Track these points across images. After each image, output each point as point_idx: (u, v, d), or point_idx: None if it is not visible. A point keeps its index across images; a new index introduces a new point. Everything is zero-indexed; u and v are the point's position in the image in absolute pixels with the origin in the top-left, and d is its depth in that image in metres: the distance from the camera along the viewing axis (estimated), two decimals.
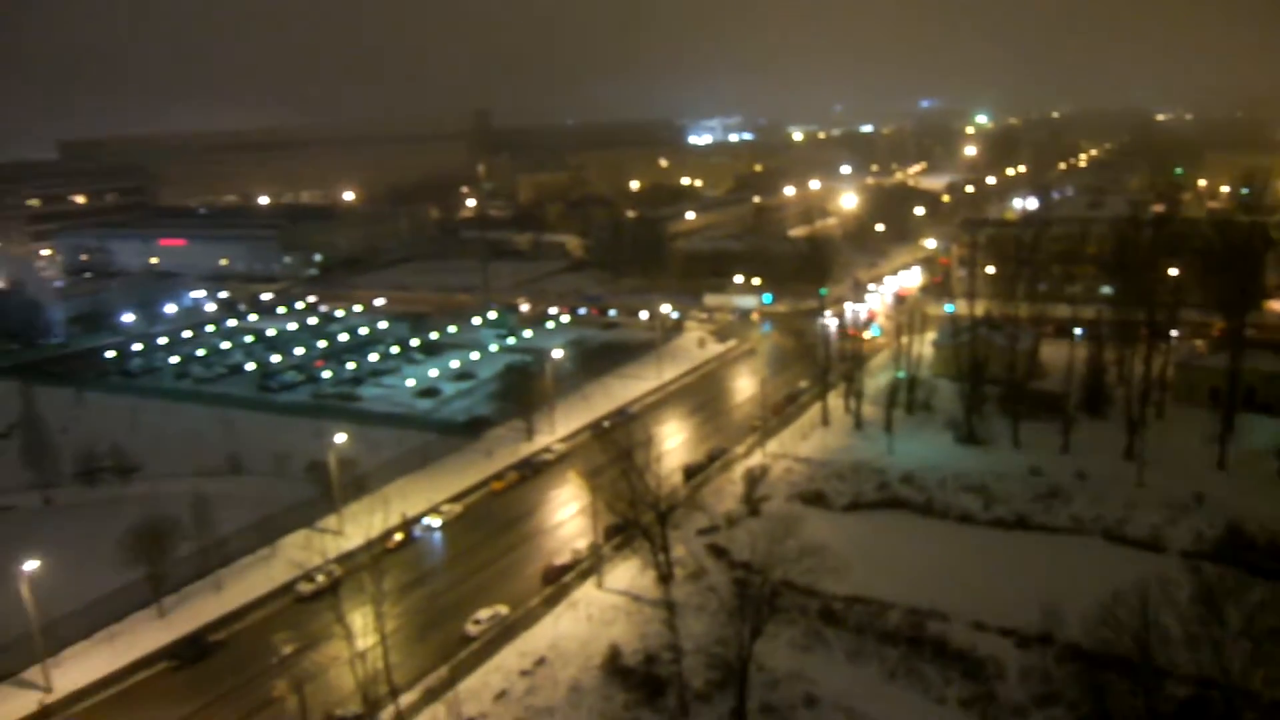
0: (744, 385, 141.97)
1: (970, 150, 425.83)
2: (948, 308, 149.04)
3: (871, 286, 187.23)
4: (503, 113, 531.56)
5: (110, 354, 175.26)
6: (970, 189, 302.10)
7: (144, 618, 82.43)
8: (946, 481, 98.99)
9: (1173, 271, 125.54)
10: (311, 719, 64.82)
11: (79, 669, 75.28)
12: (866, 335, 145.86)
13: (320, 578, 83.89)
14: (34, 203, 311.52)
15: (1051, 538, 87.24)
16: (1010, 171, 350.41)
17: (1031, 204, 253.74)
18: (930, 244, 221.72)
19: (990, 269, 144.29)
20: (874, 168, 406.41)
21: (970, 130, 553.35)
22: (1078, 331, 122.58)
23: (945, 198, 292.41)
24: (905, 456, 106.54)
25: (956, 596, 75.44)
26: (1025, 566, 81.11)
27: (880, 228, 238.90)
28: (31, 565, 74.16)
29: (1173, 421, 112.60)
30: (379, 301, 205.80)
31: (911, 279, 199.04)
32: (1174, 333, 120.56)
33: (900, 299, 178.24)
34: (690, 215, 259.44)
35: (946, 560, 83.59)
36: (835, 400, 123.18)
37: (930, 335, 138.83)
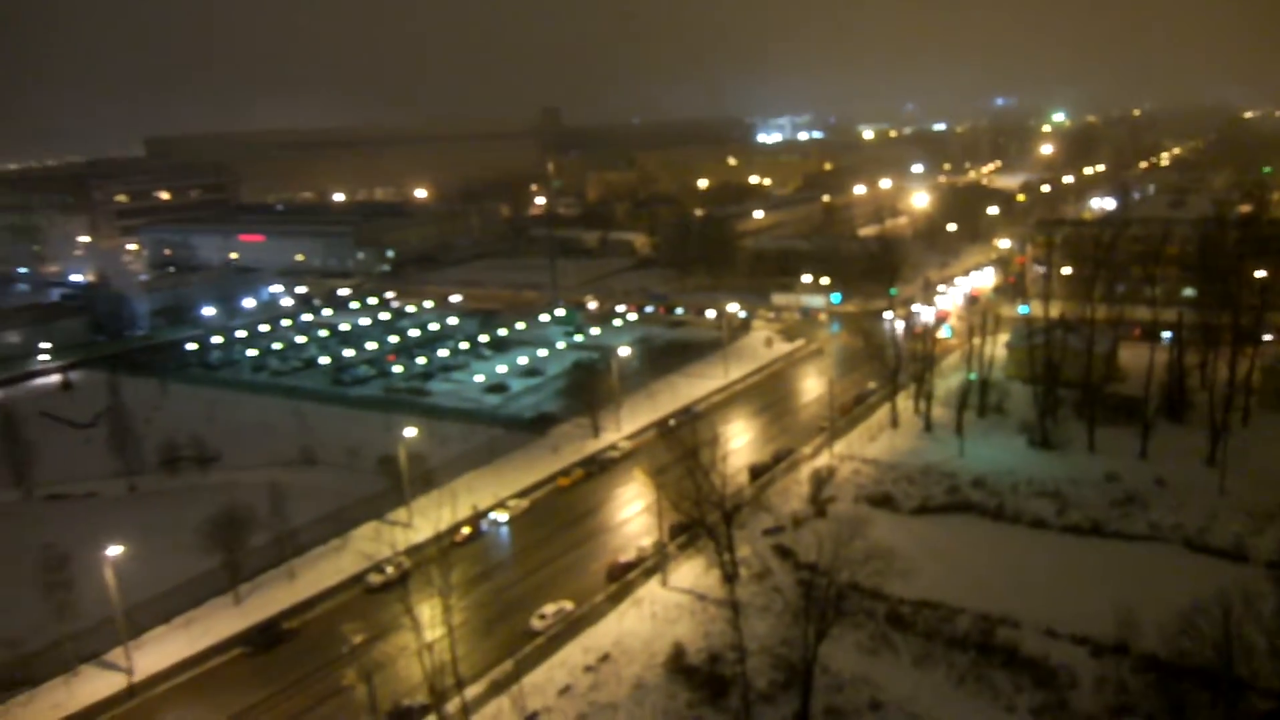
0: (811, 385, 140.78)
1: (1046, 149, 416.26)
2: (1022, 309, 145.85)
3: (942, 287, 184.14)
4: (572, 111, 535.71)
5: (191, 346, 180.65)
6: (1046, 188, 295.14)
7: (221, 604, 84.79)
8: (1018, 486, 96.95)
9: (1260, 273, 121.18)
10: (380, 708, 65.95)
11: (159, 652, 77.74)
12: (940, 335, 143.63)
13: (389, 569, 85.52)
14: (122, 198, 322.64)
15: (1128, 545, 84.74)
16: (1088, 171, 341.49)
17: (1110, 204, 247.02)
18: (1004, 244, 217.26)
19: (1066, 270, 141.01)
20: (946, 167, 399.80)
21: (1047, 129, 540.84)
22: (1166, 335, 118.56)
23: (1020, 197, 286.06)
24: (976, 460, 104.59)
25: (1028, 603, 73.84)
26: (1100, 574, 79.00)
27: (952, 227, 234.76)
28: (115, 550, 76.84)
29: (1259, 428, 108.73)
30: (455, 298, 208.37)
31: (984, 279, 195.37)
32: (1267, 337, 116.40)
33: (972, 299, 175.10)
34: (758, 214, 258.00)
35: (1018, 566, 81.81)
36: (904, 402, 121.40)
37: (1003, 337, 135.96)
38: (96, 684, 74.22)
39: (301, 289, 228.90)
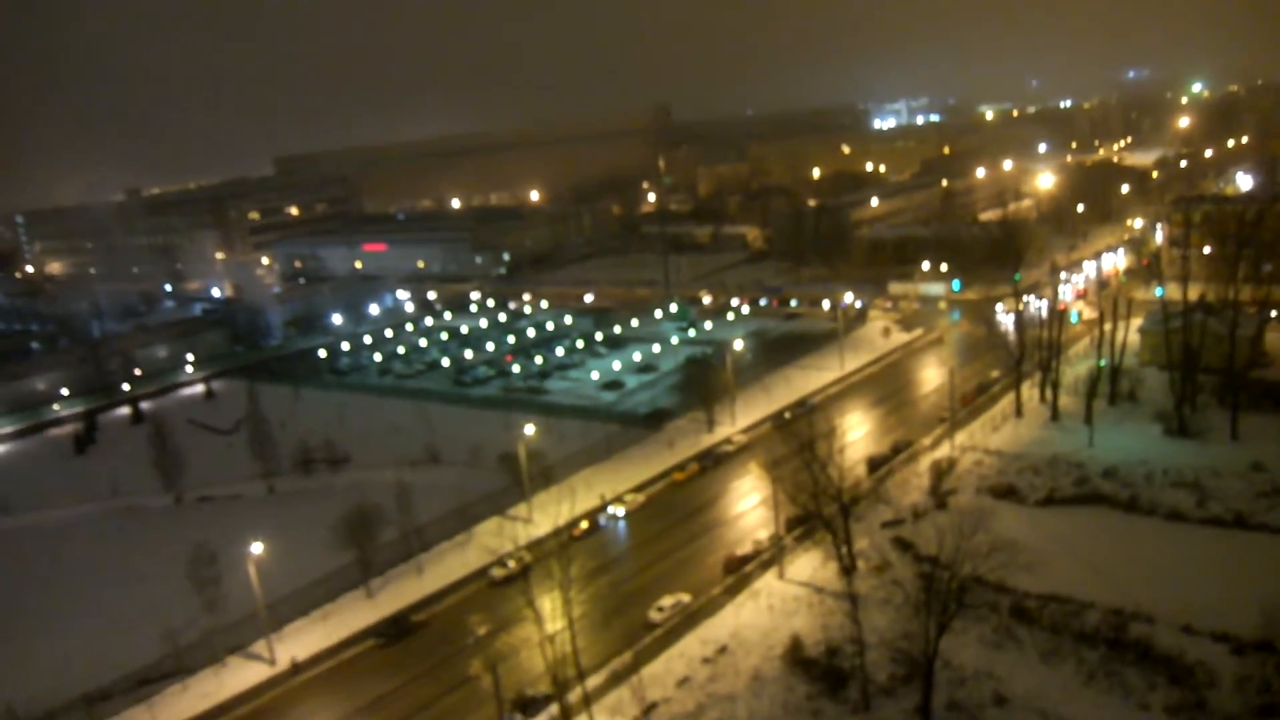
0: (931, 375, 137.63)
1: (1183, 122, 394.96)
2: (1157, 291, 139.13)
3: (1064, 274, 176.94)
4: (683, 106, 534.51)
5: (322, 353, 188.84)
6: (1183, 164, 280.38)
7: (354, 598, 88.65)
8: (1154, 476, 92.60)
9: None
10: (504, 698, 67.81)
11: (298, 644, 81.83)
12: (1073, 318, 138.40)
13: (512, 563, 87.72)
14: (254, 216, 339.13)
15: (1275, 539, 79.90)
16: (1231, 144, 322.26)
17: (1255, 179, 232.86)
18: (1137, 224, 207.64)
19: (1206, 250, 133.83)
20: (1074, 145, 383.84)
21: (1184, 101, 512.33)
22: None
23: (1154, 174, 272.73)
24: (1107, 449, 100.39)
25: (1164, 598, 70.60)
26: (1244, 569, 74.86)
27: (1081, 208, 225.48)
28: (258, 549, 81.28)
29: None
30: (589, 297, 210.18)
31: (1116, 262, 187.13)
32: None
33: (1103, 283, 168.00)
34: (874, 202, 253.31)
35: (1153, 560, 78.33)
36: (1029, 391, 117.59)
37: (1136, 321, 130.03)
38: (244, 674, 78.69)
39: (431, 294, 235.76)
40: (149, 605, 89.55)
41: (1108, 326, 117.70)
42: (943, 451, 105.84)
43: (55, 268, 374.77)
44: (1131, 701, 61.14)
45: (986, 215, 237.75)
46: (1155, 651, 64.91)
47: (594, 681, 70.36)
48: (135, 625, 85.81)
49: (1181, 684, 61.65)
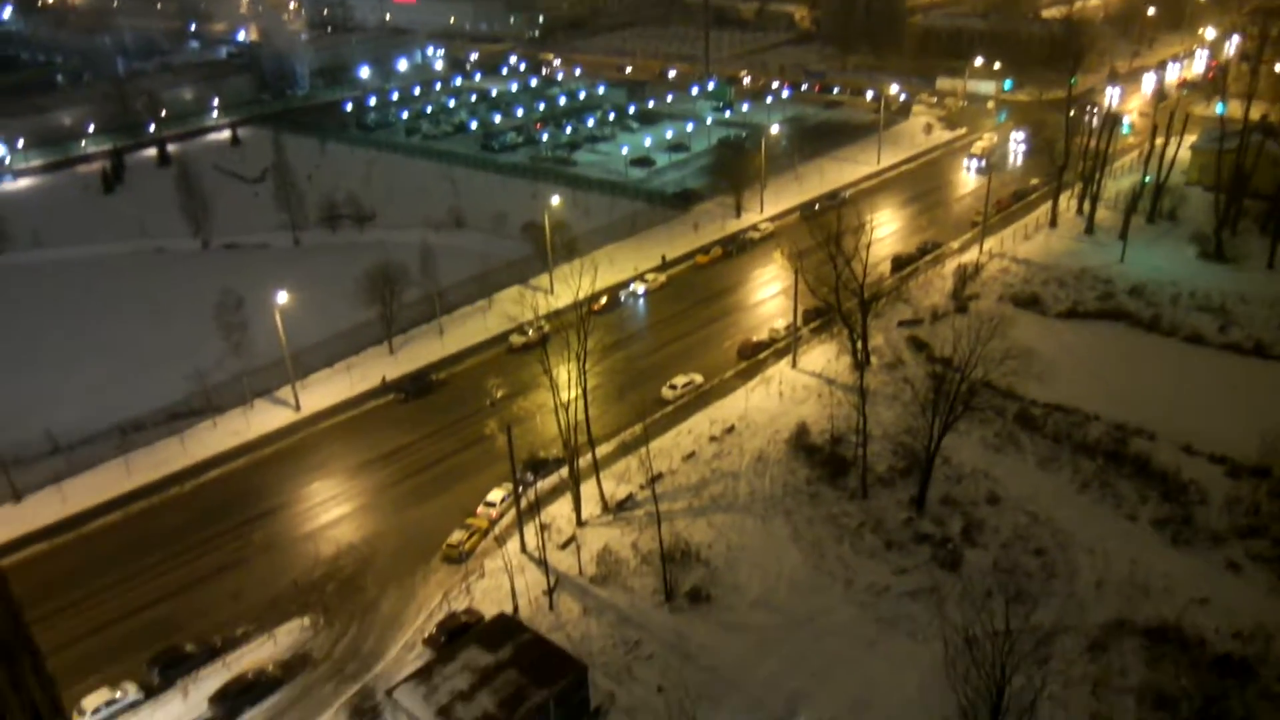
0: (968, 177, 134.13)
1: None
2: (1218, 108, 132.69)
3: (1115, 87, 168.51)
4: None
5: (348, 107, 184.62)
6: None
7: (376, 353, 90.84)
8: (1180, 298, 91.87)
9: None
10: (517, 457, 70.47)
11: (322, 393, 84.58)
12: (1124, 129, 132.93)
13: (530, 332, 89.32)
14: None
15: None
16: None
17: None
18: (1209, 34, 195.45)
19: (1278, 67, 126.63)
20: None
21: None
22: None
23: None
24: (1137, 267, 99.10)
25: (1169, 417, 71.64)
26: (1254, 396, 75.38)
27: (1151, 11, 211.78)
28: (283, 297, 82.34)
29: None
30: (671, 73, 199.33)
31: (1178, 73, 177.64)
32: None
33: (1162, 95, 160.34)
34: None
35: (1165, 379, 78.87)
36: (1068, 202, 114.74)
37: (1190, 139, 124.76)
38: (269, 416, 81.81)
39: (474, 54, 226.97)
40: (177, 345, 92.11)
41: (1159, 140, 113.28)
42: (970, 256, 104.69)
43: None
44: (1121, 511, 63.12)
45: (1050, 12, 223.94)
46: (1152, 467, 66.42)
47: (604, 450, 72.72)
48: (164, 363, 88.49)
49: (1172, 499, 63.38)
